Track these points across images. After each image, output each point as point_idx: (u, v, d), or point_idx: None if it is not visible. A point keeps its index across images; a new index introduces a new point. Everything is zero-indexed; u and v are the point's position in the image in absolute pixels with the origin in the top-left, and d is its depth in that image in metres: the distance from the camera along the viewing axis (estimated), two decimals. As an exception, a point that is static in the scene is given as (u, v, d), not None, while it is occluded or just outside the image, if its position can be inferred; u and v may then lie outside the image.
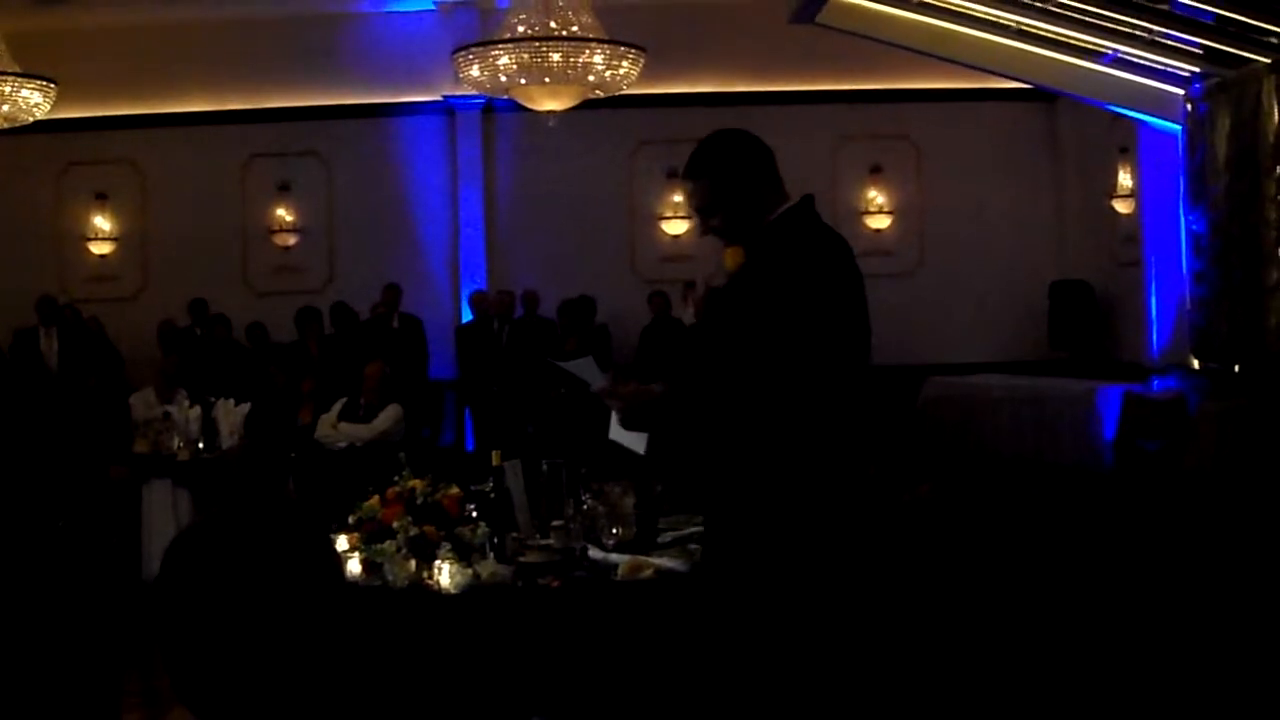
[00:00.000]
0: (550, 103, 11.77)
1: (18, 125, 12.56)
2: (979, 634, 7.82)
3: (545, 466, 6.72)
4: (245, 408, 11.66)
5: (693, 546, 6.37)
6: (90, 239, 17.09)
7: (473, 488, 6.50)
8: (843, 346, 4.41)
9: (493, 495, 6.44)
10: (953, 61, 14.01)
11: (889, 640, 4.88)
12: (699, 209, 4.66)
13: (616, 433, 4.76)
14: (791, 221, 4.54)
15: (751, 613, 4.39)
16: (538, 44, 11.11)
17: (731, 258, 4.53)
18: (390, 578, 5.99)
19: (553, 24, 11.19)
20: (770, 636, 4.36)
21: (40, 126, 13.19)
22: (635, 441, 4.68)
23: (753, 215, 4.55)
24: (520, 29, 11.23)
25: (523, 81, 11.36)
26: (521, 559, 6.08)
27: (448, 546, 5.99)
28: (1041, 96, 16.55)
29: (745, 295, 4.49)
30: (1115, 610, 8.32)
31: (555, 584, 5.85)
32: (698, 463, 4.61)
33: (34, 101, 12.25)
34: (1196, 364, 13.40)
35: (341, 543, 6.25)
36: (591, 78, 11.37)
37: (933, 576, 8.10)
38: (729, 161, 4.60)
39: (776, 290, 4.36)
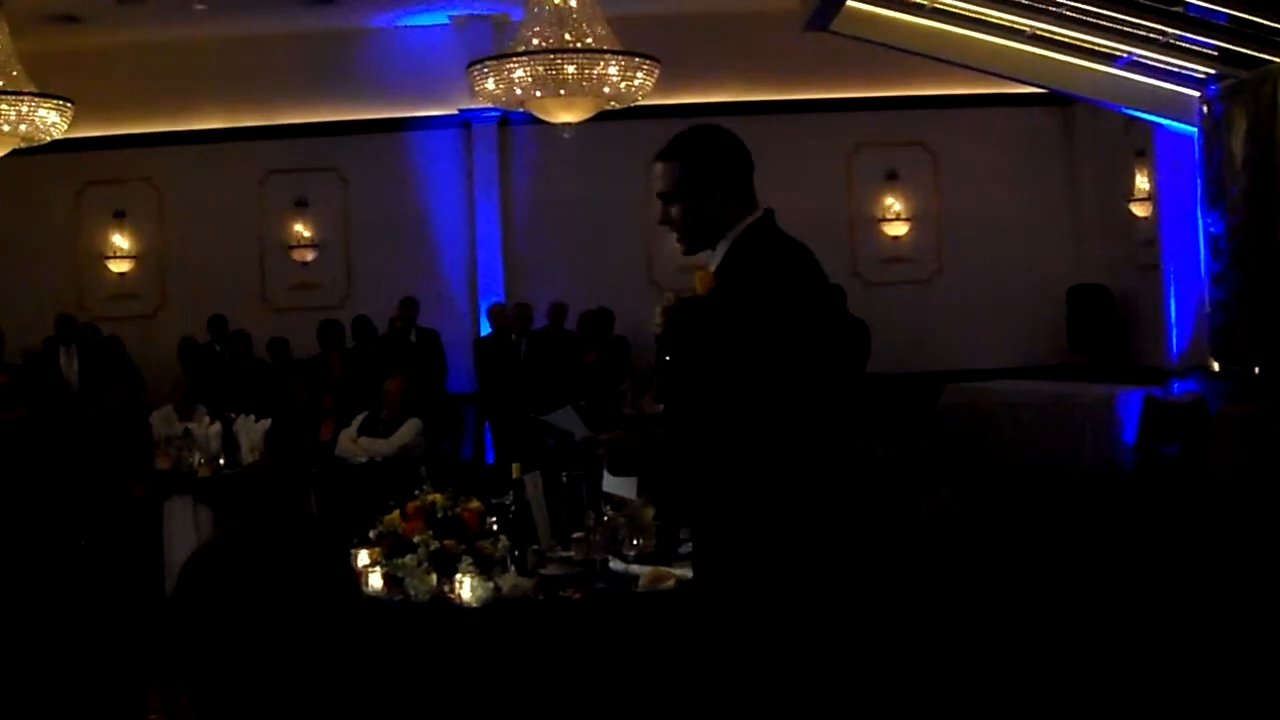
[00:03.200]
0: (565, 115, 11.78)
1: (35, 145, 12.59)
2: (1001, 638, 7.81)
3: (565, 479, 6.73)
4: (266, 424, 11.68)
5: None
6: (109, 257, 17.13)
7: (493, 501, 6.50)
8: (818, 361, 4.31)
9: (513, 508, 6.45)
10: (968, 67, 14.00)
11: (902, 647, 4.86)
12: (661, 193, 4.53)
13: (609, 483, 4.76)
14: (759, 236, 4.42)
15: (744, 628, 4.33)
16: (552, 56, 11.11)
17: (702, 281, 4.42)
18: (412, 592, 6.00)
19: (567, 36, 11.20)
20: (766, 649, 4.30)
21: (58, 146, 13.22)
22: (627, 488, 4.67)
23: (711, 218, 4.45)
24: (535, 41, 11.24)
25: (538, 94, 11.36)
26: (542, 571, 6.09)
27: (469, 560, 6.00)
28: (1057, 101, 16.52)
29: (719, 318, 4.33)
30: (1138, 614, 8.31)
31: (577, 596, 5.86)
32: (688, 494, 4.54)
33: (51, 121, 12.27)
34: (1216, 367, 13.37)
35: (363, 557, 6.26)
36: (606, 89, 11.36)
37: (955, 581, 8.09)
38: (704, 151, 4.48)
39: (752, 312, 4.24)
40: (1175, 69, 13.03)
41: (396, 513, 6.46)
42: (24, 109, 12.05)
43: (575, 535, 6.40)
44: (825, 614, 4.35)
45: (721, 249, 4.45)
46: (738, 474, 4.25)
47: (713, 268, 4.45)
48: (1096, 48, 13.03)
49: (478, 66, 11.52)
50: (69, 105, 12.33)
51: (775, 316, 4.22)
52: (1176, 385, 13.63)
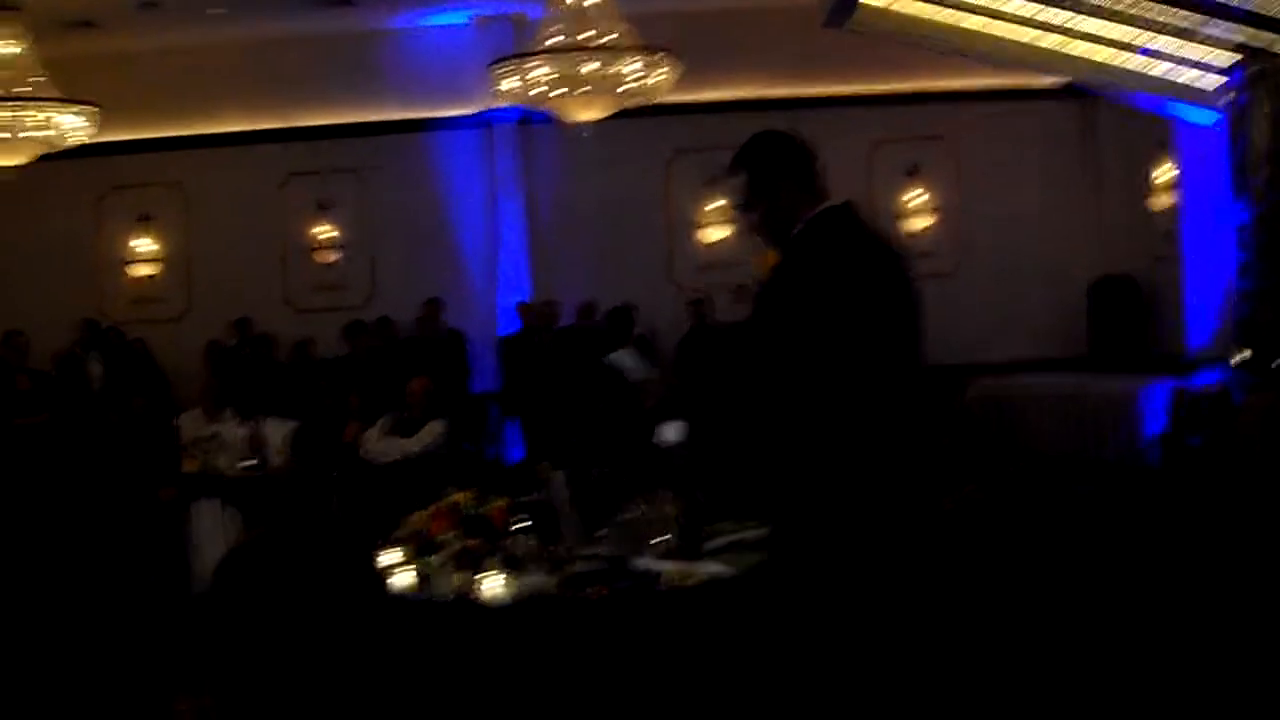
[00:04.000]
0: (586, 113, 11.79)
1: (59, 150, 12.63)
2: (1028, 632, 7.80)
3: (590, 476, 6.74)
4: (292, 425, 11.70)
5: (737, 553, 6.38)
6: (134, 261, 17.19)
7: (518, 499, 6.52)
8: (875, 348, 4.41)
9: (538, 507, 6.46)
10: (987, 60, 13.97)
11: (940, 644, 4.86)
12: (737, 205, 4.79)
13: (663, 434, 4.93)
14: (826, 224, 4.60)
15: (808, 617, 4.40)
16: (572, 55, 11.13)
17: (763, 262, 4.61)
18: (438, 590, 6.02)
19: (587, 34, 11.21)
20: (828, 640, 4.36)
21: (81, 151, 13.26)
22: (676, 433, 4.87)
23: (786, 212, 4.64)
24: (555, 40, 11.25)
25: (558, 93, 11.37)
26: (568, 569, 6.09)
27: (495, 558, 6.02)
28: (1078, 94, 16.49)
29: (773, 299, 4.58)
30: (1165, 606, 8.29)
31: (602, 593, 5.86)
32: (733, 454, 4.75)
33: (74, 126, 12.31)
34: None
35: (390, 557, 6.28)
36: (626, 87, 11.38)
37: (981, 576, 8.09)
38: (765, 156, 4.73)
39: (801, 293, 4.44)
40: (1197, 60, 12.98)
41: (423, 512, 6.48)
42: (48, 115, 12.09)
43: (600, 533, 6.41)
44: (881, 601, 4.43)
45: (790, 240, 4.67)
46: (783, 449, 4.44)
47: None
48: (1117, 39, 12.99)
49: (499, 66, 11.54)
50: (94, 110, 12.36)
51: (825, 301, 4.40)
52: (1200, 376, 13.59)
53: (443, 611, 5.94)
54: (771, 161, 4.73)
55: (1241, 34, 12.28)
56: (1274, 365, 11.93)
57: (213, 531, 10.96)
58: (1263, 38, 12.09)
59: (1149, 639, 7.73)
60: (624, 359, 5.02)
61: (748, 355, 4.60)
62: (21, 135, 11.96)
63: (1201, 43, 12.64)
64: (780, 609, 4.55)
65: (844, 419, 4.36)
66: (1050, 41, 13.21)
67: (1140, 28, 12.63)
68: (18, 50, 12.05)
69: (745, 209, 4.76)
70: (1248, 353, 12.38)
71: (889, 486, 4.44)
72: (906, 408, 4.56)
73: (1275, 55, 12.17)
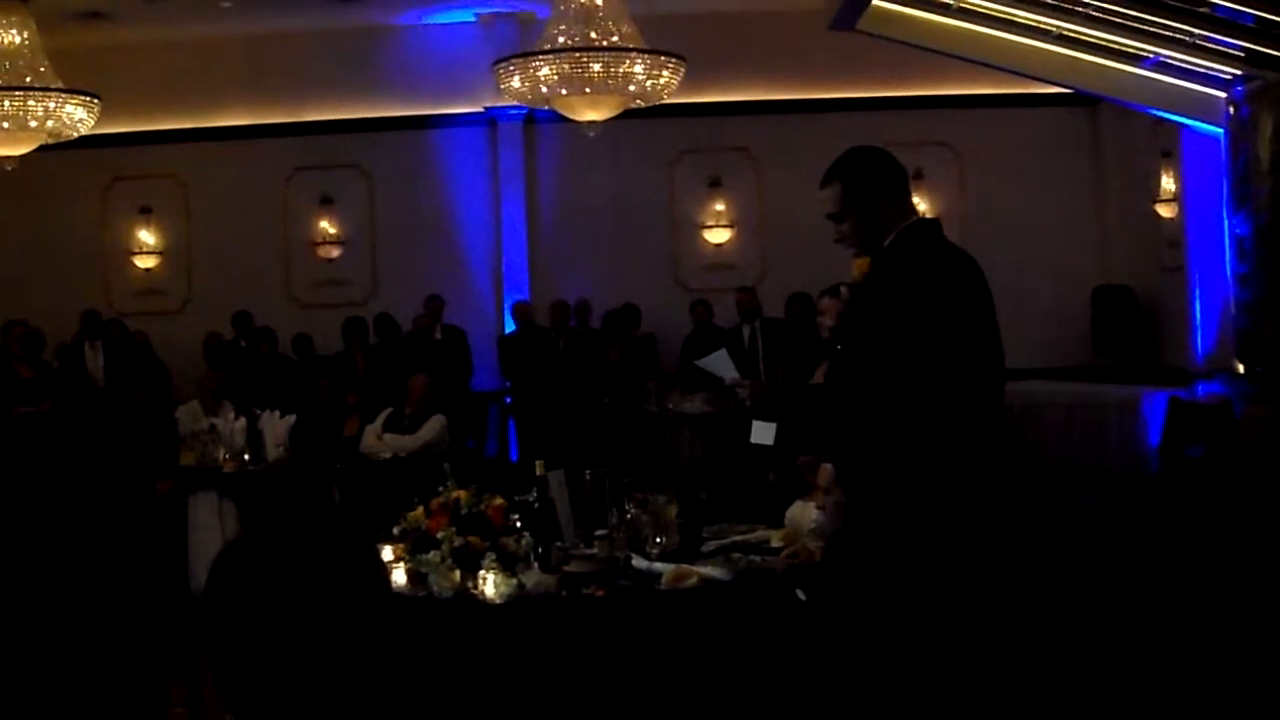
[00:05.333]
0: (591, 113, 11.79)
1: (62, 141, 12.63)
2: (1024, 641, 7.79)
3: (588, 476, 6.74)
4: (290, 420, 11.71)
5: (736, 555, 6.38)
6: (135, 253, 17.19)
7: (517, 498, 6.51)
8: (959, 356, 4.66)
9: (537, 505, 6.46)
10: (993, 67, 13.97)
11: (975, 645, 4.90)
12: (830, 215, 4.97)
13: (756, 434, 5.30)
14: (916, 236, 4.87)
15: (874, 609, 4.60)
16: (578, 54, 11.12)
17: (859, 267, 4.91)
18: (435, 588, 6.02)
19: (593, 34, 11.20)
20: (888, 630, 4.56)
21: (84, 142, 13.24)
22: (767, 434, 5.13)
23: (877, 224, 4.89)
24: (561, 40, 11.24)
25: (563, 92, 11.37)
26: (566, 568, 6.09)
27: (492, 556, 6.02)
28: (1083, 101, 16.48)
29: (868, 304, 4.88)
30: (1161, 616, 8.29)
31: (599, 593, 5.86)
32: (824, 452, 5.04)
33: (78, 117, 12.29)
34: (1241, 368, 13.32)
35: (387, 553, 6.27)
36: (632, 87, 11.37)
37: (981, 583, 8.08)
38: (860, 170, 4.98)
39: (895, 299, 4.70)
40: (1202, 70, 12.98)
41: (420, 509, 6.47)
42: (51, 105, 12.08)
43: (598, 533, 6.40)
44: (949, 598, 4.64)
45: (883, 249, 4.94)
46: (875, 452, 4.70)
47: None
48: (1123, 48, 12.99)
49: (504, 64, 11.53)
50: (96, 101, 12.36)
51: (918, 308, 4.65)
52: (1201, 387, 13.58)
53: (440, 609, 5.94)
54: (869, 173, 4.98)
55: (1245, 47, 12.28)
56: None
57: (210, 524, 10.99)
58: (1267, 52, 12.09)
59: (1143, 644, 7.73)
60: (715, 363, 5.20)
61: (847, 354, 4.84)
62: (25, 126, 11.94)
63: (1205, 56, 12.65)
64: (849, 591, 4.73)
65: (937, 414, 4.60)
66: (1057, 49, 13.19)
67: (1145, 40, 12.64)
68: (21, 40, 12.03)
69: (838, 220, 4.95)
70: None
71: (972, 482, 4.70)
72: (990, 405, 4.81)
73: (1279, 68, 12.17)
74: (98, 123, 12.72)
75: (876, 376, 4.64)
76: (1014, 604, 4.73)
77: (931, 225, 5.03)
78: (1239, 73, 12.77)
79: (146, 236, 17.19)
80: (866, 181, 4.95)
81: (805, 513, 6.61)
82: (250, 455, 11.40)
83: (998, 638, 4.54)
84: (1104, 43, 12.96)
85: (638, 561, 6.25)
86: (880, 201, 4.92)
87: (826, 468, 6.19)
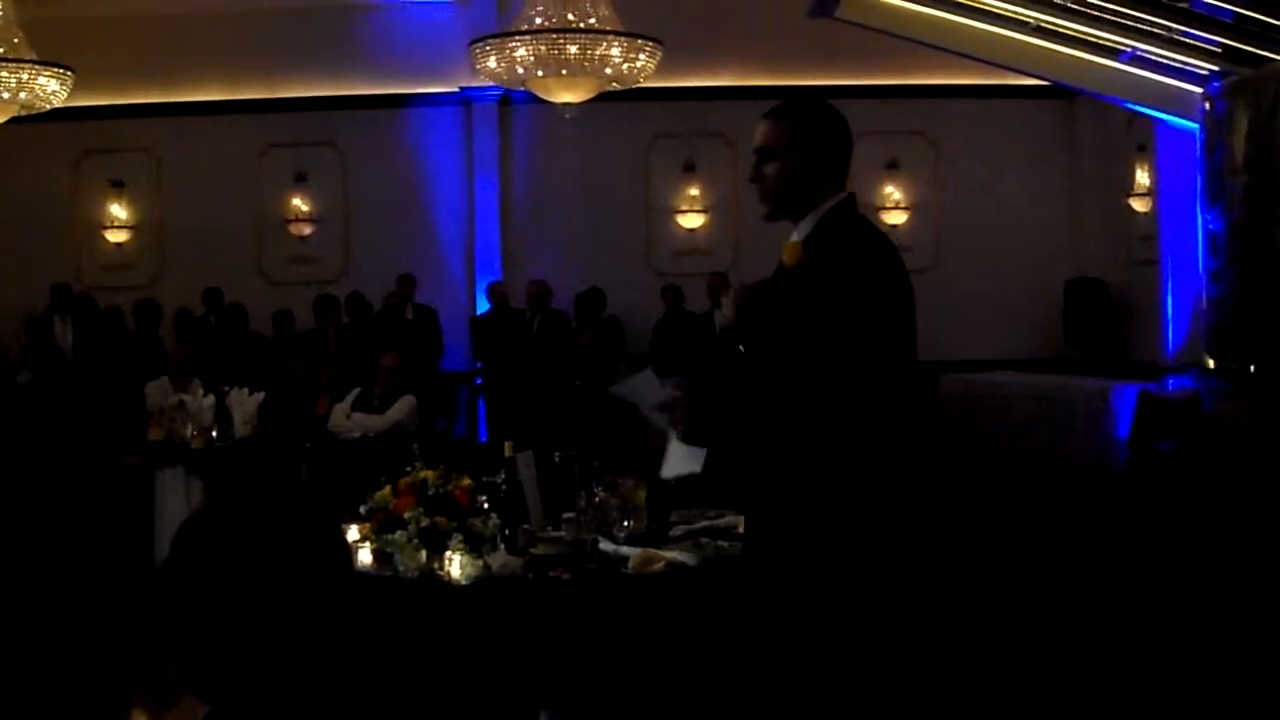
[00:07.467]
0: (567, 95, 11.77)
1: (34, 113, 12.56)
2: (988, 632, 7.80)
3: (557, 458, 6.72)
4: (259, 397, 11.68)
5: (704, 540, 6.37)
6: (106, 227, 17.09)
7: (485, 479, 6.50)
8: (897, 349, 4.35)
9: (504, 487, 6.44)
10: (971, 57, 13.98)
11: (906, 641, 4.85)
12: (760, 147, 4.46)
13: (671, 467, 4.47)
14: (849, 217, 4.43)
15: (789, 611, 4.37)
16: (555, 36, 11.10)
17: (790, 252, 4.42)
18: (401, 568, 6.01)
19: (570, 16, 11.18)
20: (805, 634, 4.34)
21: (56, 114, 13.18)
22: (694, 461, 4.43)
23: (807, 179, 4.41)
24: (537, 21, 11.22)
25: (539, 74, 11.35)
26: (532, 551, 6.08)
27: (459, 537, 6.00)
28: (1059, 94, 16.49)
29: (805, 293, 4.32)
30: (1127, 610, 8.30)
31: (566, 576, 5.85)
32: (754, 472, 4.44)
33: (51, 89, 12.24)
34: (1212, 363, 13.37)
35: (353, 532, 6.26)
36: (608, 70, 11.36)
37: (943, 573, 8.09)
38: (815, 117, 4.47)
39: (844, 289, 4.23)
40: (1178, 65, 13.01)
41: (388, 489, 6.46)
42: (24, 77, 12.02)
43: (566, 515, 6.39)
44: (864, 597, 4.40)
45: (807, 224, 4.43)
46: (804, 452, 4.23)
47: (796, 238, 4.44)
48: (1100, 42, 13.01)
49: (480, 44, 11.50)
50: (69, 74, 12.30)
51: (865, 297, 4.22)
52: (1171, 381, 13.63)
53: (406, 589, 5.92)
54: (823, 124, 4.45)
55: (1222, 43, 12.32)
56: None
57: (177, 500, 10.97)
58: (1243, 49, 12.12)
59: (1107, 637, 7.74)
60: (639, 385, 4.46)
61: (769, 354, 4.42)
62: (-3, 97, 11.90)
63: (1182, 51, 12.67)
64: (755, 596, 4.52)
65: (860, 414, 4.24)
66: (1034, 41, 13.20)
67: (1122, 34, 12.66)
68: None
69: (765, 156, 4.44)
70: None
71: (879, 480, 4.36)
72: (908, 403, 4.49)
73: (1255, 65, 12.20)
74: (69, 95, 12.66)
75: (809, 375, 4.18)
76: (966, 599, 4.65)
77: (853, 204, 4.48)
78: (1215, 68, 12.81)
79: (118, 210, 17.09)
80: (818, 130, 4.43)
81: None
82: (218, 432, 11.37)
83: (944, 630, 4.47)
84: (1081, 36, 12.97)
85: (605, 545, 6.24)
86: (822, 156, 4.40)
87: None
